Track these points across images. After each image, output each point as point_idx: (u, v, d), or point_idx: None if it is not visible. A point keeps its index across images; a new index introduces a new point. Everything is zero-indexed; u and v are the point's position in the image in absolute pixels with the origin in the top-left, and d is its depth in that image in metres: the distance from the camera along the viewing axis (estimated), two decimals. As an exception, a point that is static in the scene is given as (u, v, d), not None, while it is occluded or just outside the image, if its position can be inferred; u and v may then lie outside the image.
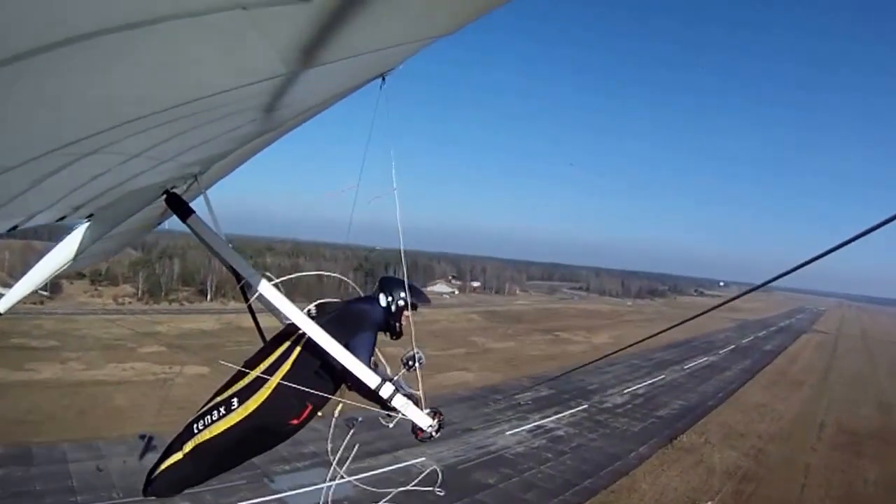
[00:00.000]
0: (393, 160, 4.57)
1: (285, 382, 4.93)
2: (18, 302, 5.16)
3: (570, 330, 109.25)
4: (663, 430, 46.37)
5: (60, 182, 2.63)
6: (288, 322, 5.10)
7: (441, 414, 5.22)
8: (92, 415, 36.98)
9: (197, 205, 4.67)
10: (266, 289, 4.79)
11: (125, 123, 2.00)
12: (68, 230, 4.58)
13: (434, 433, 5.14)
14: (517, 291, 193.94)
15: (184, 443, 5.21)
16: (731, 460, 39.43)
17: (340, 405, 5.48)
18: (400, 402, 4.97)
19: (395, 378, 5.32)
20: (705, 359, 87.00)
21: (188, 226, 4.57)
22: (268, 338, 5.50)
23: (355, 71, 2.69)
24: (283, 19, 1.58)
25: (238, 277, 5.12)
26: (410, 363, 5.57)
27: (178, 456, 5.21)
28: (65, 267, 4.83)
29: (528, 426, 45.98)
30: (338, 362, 4.81)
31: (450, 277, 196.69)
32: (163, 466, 5.31)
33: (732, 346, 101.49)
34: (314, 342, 4.78)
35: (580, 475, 35.39)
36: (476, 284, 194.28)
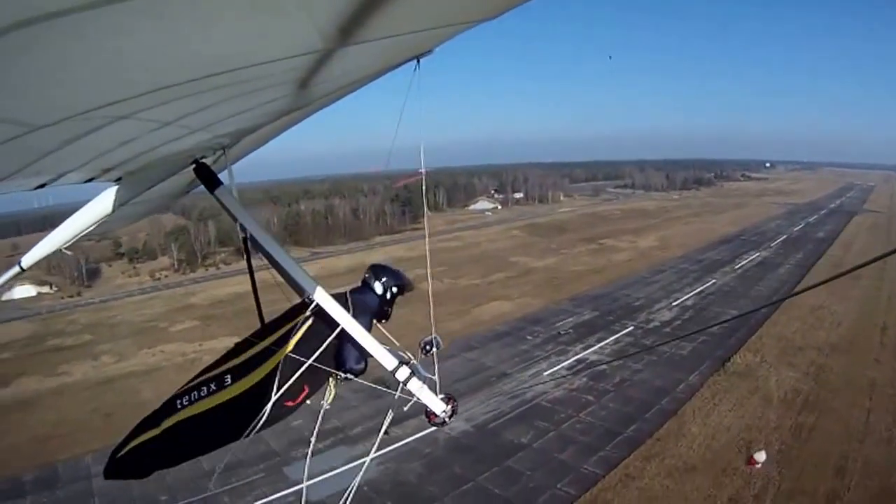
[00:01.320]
0: (422, 145, 4.93)
1: (293, 356, 4.77)
2: (41, 259, 4.99)
3: (615, 235, 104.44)
4: (715, 350, 42.23)
5: (92, 143, 2.59)
6: (303, 298, 4.98)
7: (455, 400, 5.43)
8: (117, 416, 34.56)
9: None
10: (288, 262, 4.95)
11: (162, 89, 2.00)
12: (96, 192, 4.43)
13: (447, 419, 5.32)
14: (561, 197, 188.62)
15: (162, 419, 4.95)
16: (790, 383, 35.22)
17: (332, 394, 5.30)
18: (415, 385, 5.10)
19: (412, 361, 5.34)
20: (757, 254, 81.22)
21: (215, 197, 4.68)
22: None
23: (390, 52, 2.73)
24: None
25: (262, 253, 5.01)
26: (428, 348, 5.74)
27: (153, 432, 4.95)
28: (90, 228, 4.67)
29: (568, 361, 42.53)
30: (349, 345, 4.90)
31: (492, 192, 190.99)
32: (132, 444, 5.03)
33: (783, 237, 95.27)
34: (324, 322, 4.79)
35: (623, 420, 31.91)
36: (518, 196, 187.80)
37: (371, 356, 5.04)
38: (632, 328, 49.95)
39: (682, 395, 34.73)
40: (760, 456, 26.51)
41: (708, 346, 43.14)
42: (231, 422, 4.93)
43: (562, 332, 49.89)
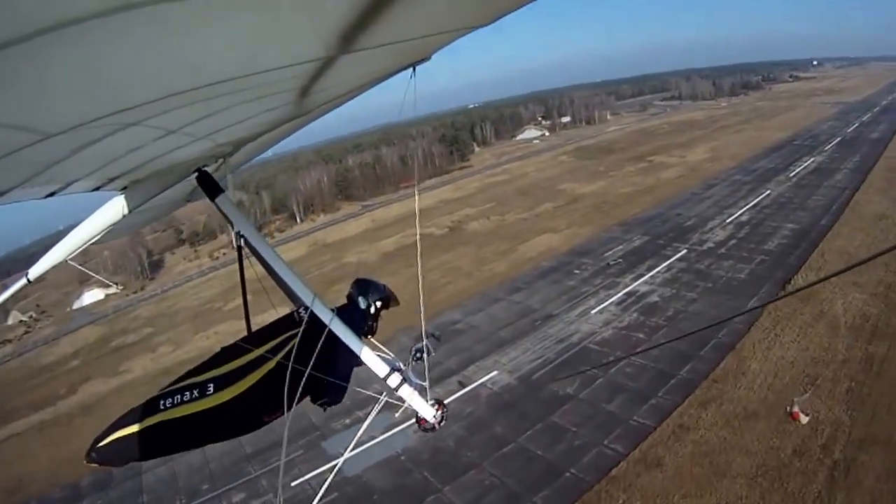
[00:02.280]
0: (417, 153, 3.82)
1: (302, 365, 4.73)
2: (48, 270, 4.81)
3: (664, 151, 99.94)
4: (774, 270, 39.02)
5: (99, 152, 2.61)
6: (294, 311, 5.11)
7: (444, 405, 5.50)
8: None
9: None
10: (284, 270, 5.06)
11: (168, 97, 2.03)
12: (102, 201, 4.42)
13: (437, 424, 5.40)
14: (608, 116, 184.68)
15: (144, 416, 4.93)
16: (857, 306, 31.74)
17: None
18: (406, 392, 5.22)
19: (403, 368, 5.42)
20: (811, 160, 75.17)
21: (216, 204, 4.77)
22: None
23: (389, 59, 2.78)
24: (328, 1, 1.66)
25: (258, 260, 5.17)
26: (419, 354, 5.72)
27: (134, 428, 4.91)
28: (95, 238, 4.55)
29: (618, 296, 39.82)
30: (334, 364, 4.93)
31: (539, 118, 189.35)
32: (114, 436, 4.97)
33: (837, 139, 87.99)
34: (314, 337, 4.76)
35: (677, 360, 29.30)
36: (566, 120, 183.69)
37: (363, 364, 5.11)
38: (685, 251, 46.71)
39: (741, 326, 31.70)
40: (802, 417, 23.74)
41: (766, 268, 39.99)
42: (212, 428, 4.95)
43: (611, 263, 47.22)
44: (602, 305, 38.77)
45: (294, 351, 4.77)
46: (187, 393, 4.88)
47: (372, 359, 5.09)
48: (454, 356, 34.72)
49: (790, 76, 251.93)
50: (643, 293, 39.62)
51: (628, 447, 24.05)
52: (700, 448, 23.18)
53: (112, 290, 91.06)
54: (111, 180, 3.78)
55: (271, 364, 4.83)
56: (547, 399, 28.54)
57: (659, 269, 43.75)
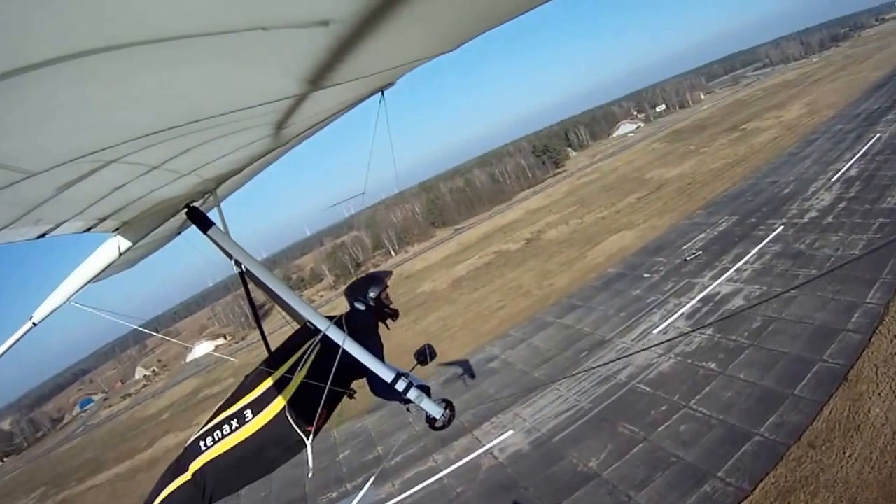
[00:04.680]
0: (395, 168, 5.36)
1: (312, 381, 4.81)
2: (51, 313, 4.35)
3: (758, 116, 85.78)
4: (901, 242, 27.27)
5: (84, 190, 2.56)
6: (306, 324, 5.13)
7: (452, 405, 5.17)
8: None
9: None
10: (284, 291, 4.93)
11: (148, 135, 2.01)
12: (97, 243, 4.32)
13: (447, 422, 5.10)
14: (701, 97, 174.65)
15: (188, 463, 4.79)
16: None
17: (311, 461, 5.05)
18: (414, 394, 5.00)
19: (408, 372, 5.27)
20: (920, 90, 58.80)
21: (209, 237, 4.62)
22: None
23: (359, 89, 2.84)
24: (301, 42, 1.65)
25: (258, 286, 5.05)
26: (421, 358, 5.59)
27: (183, 478, 4.77)
28: (93, 279, 4.35)
29: (691, 304, 28.81)
30: (354, 363, 4.80)
31: (633, 113, 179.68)
32: (165, 492, 4.78)
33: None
34: (330, 346, 4.75)
35: (756, 408, 18.68)
36: (661, 108, 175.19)
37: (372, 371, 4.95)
38: (780, 229, 34.57)
39: (856, 337, 20.62)
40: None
41: (890, 234, 27.99)
42: (259, 454, 4.79)
43: (688, 258, 36.04)
44: (668, 321, 28.20)
45: (319, 356, 4.80)
46: (226, 426, 4.74)
47: (377, 366, 4.80)
48: (473, 408, 26.48)
49: (876, 19, 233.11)
50: (723, 296, 28.56)
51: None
52: None
53: (221, 342, 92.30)
54: (101, 220, 3.56)
55: (302, 373, 4.78)
56: (560, 476, 19.16)
57: (748, 257, 32.15)
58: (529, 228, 72.27)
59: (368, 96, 3.15)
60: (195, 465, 4.70)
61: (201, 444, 4.74)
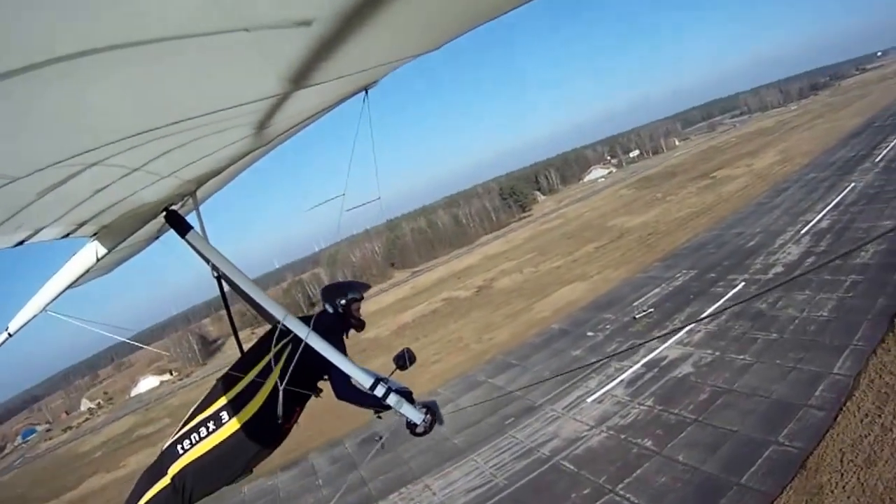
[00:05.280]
0: (376, 169, 4.78)
1: (288, 386, 4.71)
2: (27, 322, 4.18)
3: (730, 164, 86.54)
4: (874, 297, 23.90)
5: (65, 195, 2.49)
6: (278, 325, 4.87)
7: (432, 411, 4.93)
8: None
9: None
10: (259, 295, 4.74)
11: (129, 137, 1.99)
12: (74, 249, 4.20)
13: (427, 427, 4.90)
14: (676, 143, 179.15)
15: (167, 467, 4.73)
16: None
17: None
18: (394, 399, 4.83)
19: (387, 377, 5.14)
20: (896, 139, 60.42)
21: (187, 241, 4.47)
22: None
23: (342, 88, 2.81)
24: (283, 42, 1.65)
25: (235, 290, 4.87)
26: (401, 363, 5.49)
27: (163, 483, 4.70)
28: (70, 286, 4.22)
29: (632, 369, 25.45)
30: (324, 364, 4.73)
31: (607, 158, 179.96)
32: (145, 498, 4.73)
33: (923, 109, 73.88)
34: (304, 346, 4.62)
35: (696, 501, 15.63)
36: (634, 154, 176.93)
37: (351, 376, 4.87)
38: (741, 285, 31.58)
39: (819, 415, 17.39)
40: None
41: (861, 294, 24.98)
42: (237, 455, 4.73)
43: (637, 316, 32.85)
44: (606, 388, 24.81)
45: (290, 358, 4.67)
46: (203, 429, 4.67)
47: (356, 371, 4.73)
48: (385, 474, 24.40)
49: (856, 69, 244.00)
50: (670, 361, 25.25)
51: None
52: None
53: (166, 377, 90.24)
54: (80, 226, 3.49)
55: (275, 374, 4.70)
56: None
57: (702, 317, 28.58)
58: (483, 276, 70.67)
59: (352, 95, 3.08)
60: (174, 469, 4.61)
61: (178, 447, 4.66)
